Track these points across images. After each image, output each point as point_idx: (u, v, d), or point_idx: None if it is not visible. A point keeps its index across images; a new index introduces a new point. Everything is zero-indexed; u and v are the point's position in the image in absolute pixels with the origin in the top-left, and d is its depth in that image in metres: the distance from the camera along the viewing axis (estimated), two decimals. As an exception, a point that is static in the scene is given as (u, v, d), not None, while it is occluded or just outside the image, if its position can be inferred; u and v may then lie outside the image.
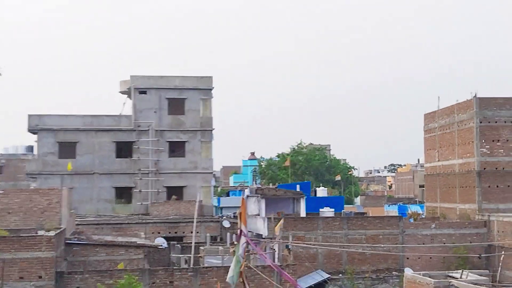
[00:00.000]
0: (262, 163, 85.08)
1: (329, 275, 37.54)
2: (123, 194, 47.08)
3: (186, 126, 47.40)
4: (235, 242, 16.49)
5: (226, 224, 42.87)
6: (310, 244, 37.31)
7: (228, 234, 39.41)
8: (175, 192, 47.07)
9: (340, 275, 38.12)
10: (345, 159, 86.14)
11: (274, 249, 33.98)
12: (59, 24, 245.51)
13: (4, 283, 24.92)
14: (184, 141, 47.44)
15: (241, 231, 13.63)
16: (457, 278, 27.96)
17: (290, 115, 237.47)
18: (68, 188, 35.97)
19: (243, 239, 13.44)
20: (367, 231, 41.63)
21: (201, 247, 36.35)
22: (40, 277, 25.74)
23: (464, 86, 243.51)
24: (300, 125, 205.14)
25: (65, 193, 33.16)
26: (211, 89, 47.68)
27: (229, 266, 14.61)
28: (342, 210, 49.38)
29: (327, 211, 44.94)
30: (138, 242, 34.37)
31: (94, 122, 47.02)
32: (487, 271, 34.37)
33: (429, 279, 27.83)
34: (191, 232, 37.24)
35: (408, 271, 33.95)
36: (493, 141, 46.02)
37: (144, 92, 46.92)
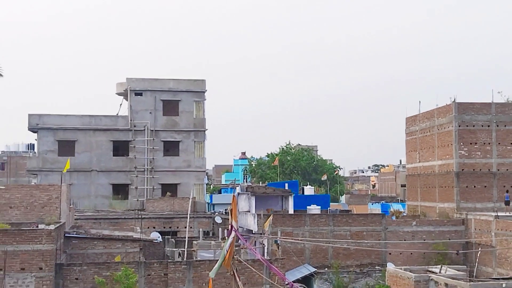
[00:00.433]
0: (252, 163, 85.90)
1: (316, 269, 37.87)
2: (120, 190, 47.49)
3: (180, 126, 47.89)
4: (226, 237, 16.48)
5: (218, 220, 43.33)
6: (298, 240, 37.58)
7: (220, 229, 39.87)
8: (169, 189, 47.50)
9: (326, 269, 38.33)
10: (331, 160, 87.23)
11: (263, 244, 34.34)
12: (59, 24, 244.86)
13: (6, 274, 24.99)
14: (178, 141, 47.91)
15: (231, 226, 13.55)
16: (436, 273, 27.94)
17: (280, 116, 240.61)
18: (67, 184, 36.43)
19: (232, 234, 13.38)
20: (352, 227, 41.98)
21: (194, 242, 36.59)
22: (41, 268, 25.73)
23: (445, 89, 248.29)
24: (289, 126, 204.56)
25: (64, 189, 33.18)
26: (204, 92, 48.35)
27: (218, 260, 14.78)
28: (328, 208, 49.63)
29: (314, 209, 45.34)
30: (134, 236, 34.34)
31: (92, 122, 47.53)
32: (465, 266, 34.40)
33: (410, 273, 28.07)
34: (185, 227, 37.42)
35: (390, 266, 34.35)
36: (470, 143, 46.57)
37: (140, 94, 47.45)
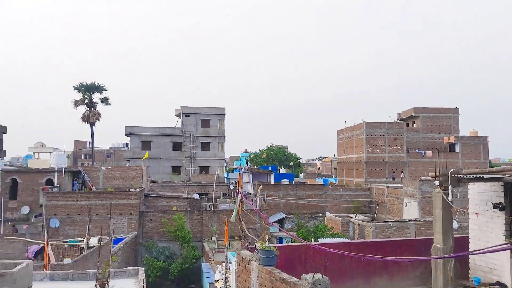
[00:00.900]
0: (251, 155, 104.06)
1: (286, 215, 44.44)
2: (176, 170, 56.89)
3: (210, 134, 58.12)
4: (235, 197, 16.65)
5: (231, 186, 49.25)
6: (276, 198, 43.97)
7: (232, 192, 45.18)
8: (204, 169, 57.67)
9: (291, 215, 44.61)
10: (295, 153, 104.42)
11: (256, 200, 39.52)
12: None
13: (112, 216, 31.71)
14: (209, 142, 57.97)
15: (238, 191, 14.35)
16: (353, 218, 36.09)
17: (268, 124, 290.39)
18: (146, 166, 42.97)
19: (239, 196, 13.78)
20: (306, 192, 48.69)
21: (218, 199, 42.81)
22: (131, 213, 32.41)
23: (363, 108, 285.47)
24: (272, 131, 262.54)
25: (145, 169, 40.03)
26: (224, 114, 58.72)
27: (233, 210, 15.34)
28: (293, 181, 57.57)
29: (285, 181, 52.98)
30: (183, 196, 40.60)
31: (160, 130, 56.99)
32: (369, 214, 43.04)
33: (338, 218, 36.53)
34: (213, 191, 44.04)
35: (327, 214, 41.95)
36: (373, 145, 57.90)
37: (188, 115, 57.48)
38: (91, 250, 24.36)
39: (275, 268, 8.01)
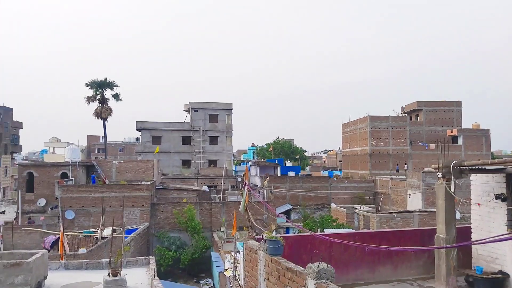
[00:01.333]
0: (258, 148, 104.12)
1: (292, 206, 44.73)
2: (186, 163, 57.50)
3: (218, 128, 58.45)
4: (243, 189, 16.51)
5: (239, 179, 49.50)
6: (282, 190, 43.99)
7: (240, 184, 45.30)
8: (213, 163, 58.09)
9: (298, 206, 45.02)
10: (301, 146, 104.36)
11: (263, 193, 40.41)
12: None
13: (125, 208, 31.72)
14: (217, 136, 58.38)
15: (245, 183, 14.82)
16: (358, 209, 36.17)
17: (274, 117, 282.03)
18: (157, 160, 43.57)
19: (246, 187, 14.19)
20: (312, 184, 49.03)
21: (226, 191, 43.11)
22: (143, 205, 32.92)
23: (366, 101, 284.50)
24: (279, 124, 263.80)
25: (156, 162, 40.60)
26: (231, 109, 59.17)
27: (240, 202, 14.95)
28: (299, 173, 57.54)
29: (291, 174, 52.93)
30: (193, 188, 41.12)
31: (170, 125, 57.64)
32: (374, 205, 42.75)
33: (343, 209, 36.67)
34: (221, 183, 43.79)
35: (333, 205, 42.04)
36: (377, 138, 58.07)
37: (197, 110, 57.93)
38: (105, 240, 24.62)
39: (281, 258, 8.04)
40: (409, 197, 40.78)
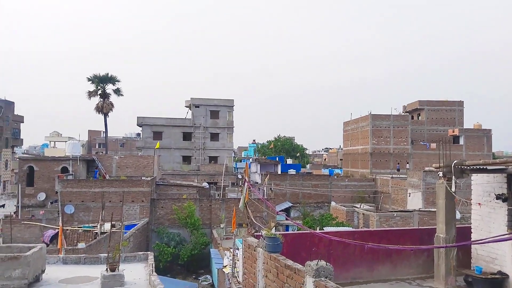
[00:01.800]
0: (258, 145, 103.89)
1: (292, 204, 45.00)
2: (186, 159, 57.59)
3: (219, 125, 58.46)
4: (243, 186, 16.11)
5: (239, 176, 49.63)
6: (282, 187, 44.31)
7: (240, 181, 44.58)
8: (213, 159, 58.19)
9: (298, 204, 45.19)
10: (302, 144, 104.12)
11: (263, 190, 39.92)
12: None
13: (124, 203, 31.61)
14: (218, 133, 58.44)
15: (245, 180, 14.84)
16: (358, 207, 35.81)
17: (275, 116, 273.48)
18: (157, 155, 43.38)
19: (246, 184, 14.14)
20: (312, 182, 49.22)
21: (226, 188, 43.37)
22: (142, 201, 33.05)
23: (369, 99, 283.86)
24: (279, 121, 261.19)
25: (156, 158, 40.72)
26: (232, 106, 59.20)
27: (240, 199, 14.99)
28: (300, 171, 57.67)
29: (292, 172, 53.28)
30: (193, 184, 41.22)
31: (171, 121, 57.60)
32: (374, 204, 42.54)
33: (343, 207, 36.34)
34: (221, 180, 44.44)
35: (333, 203, 41.03)
36: (378, 137, 58.33)
37: (198, 106, 57.86)
38: (105, 235, 24.69)
39: (280, 255, 8.01)
40: (409, 196, 40.69)
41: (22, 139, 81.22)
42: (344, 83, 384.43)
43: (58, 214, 31.75)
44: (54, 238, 25.78)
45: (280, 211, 37.31)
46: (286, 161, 68.33)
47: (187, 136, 57.96)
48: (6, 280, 8.27)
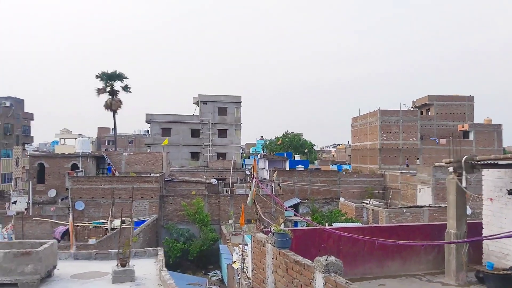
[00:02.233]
0: (266, 141, 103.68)
1: (300, 200, 44.79)
2: (194, 156, 57.96)
3: (227, 121, 58.67)
4: (250, 182, 17.17)
5: (247, 172, 49.17)
6: (291, 183, 44.37)
7: (249, 177, 43.69)
8: (221, 156, 58.27)
9: (306, 200, 45.15)
10: (310, 140, 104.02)
11: (272, 186, 39.48)
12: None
13: (134, 200, 31.82)
14: (226, 129, 58.62)
15: (253, 176, 15.12)
16: (367, 203, 36.17)
17: (282, 111, 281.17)
18: (166, 152, 43.69)
19: (254, 181, 14.67)
20: (320, 178, 49.19)
21: (235, 184, 43.13)
22: (152, 197, 33.00)
23: (378, 95, 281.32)
24: (287, 117, 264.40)
25: (165, 155, 40.97)
26: (240, 102, 59.26)
27: (248, 195, 15.11)
28: (308, 167, 58.05)
29: (300, 168, 53.83)
30: (202, 181, 41.24)
31: (179, 118, 57.98)
32: (383, 200, 42.90)
33: (352, 203, 36.51)
34: (230, 176, 44.40)
35: (341, 199, 42.31)
36: (387, 132, 58.28)
37: (206, 103, 58.31)
38: (115, 231, 24.81)
39: (289, 251, 8.02)
40: (419, 192, 40.41)
41: (33, 137, 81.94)
42: (353, 79, 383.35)
43: (69, 210, 31.55)
44: (65, 234, 25.93)
45: (288, 207, 36.94)
46: (294, 157, 68.49)
47: (195, 133, 58.33)
48: (19, 275, 8.37)
